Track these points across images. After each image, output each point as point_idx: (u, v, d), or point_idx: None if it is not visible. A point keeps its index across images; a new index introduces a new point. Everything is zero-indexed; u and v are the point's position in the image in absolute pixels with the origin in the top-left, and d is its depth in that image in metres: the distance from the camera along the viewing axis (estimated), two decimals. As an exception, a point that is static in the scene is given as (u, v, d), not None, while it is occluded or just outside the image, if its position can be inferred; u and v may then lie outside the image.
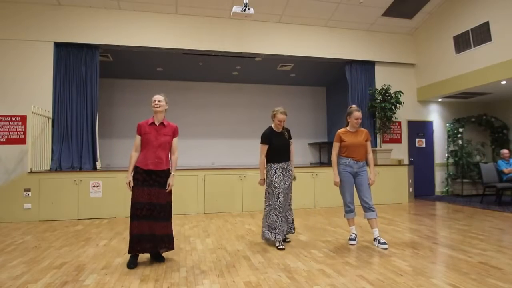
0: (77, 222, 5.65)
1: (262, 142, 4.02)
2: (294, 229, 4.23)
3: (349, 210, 4.11)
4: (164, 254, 3.61)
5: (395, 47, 8.49)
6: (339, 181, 4.05)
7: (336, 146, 4.12)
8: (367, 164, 4.15)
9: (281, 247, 3.86)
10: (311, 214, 6.26)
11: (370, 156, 4.13)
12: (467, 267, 3.17)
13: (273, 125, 4.07)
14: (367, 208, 3.96)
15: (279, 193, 3.92)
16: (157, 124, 3.44)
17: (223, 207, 6.55)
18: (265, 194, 4.07)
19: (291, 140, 4.13)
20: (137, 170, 3.36)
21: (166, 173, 3.44)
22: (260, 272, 3.08)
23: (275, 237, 3.91)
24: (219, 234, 4.67)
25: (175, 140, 3.53)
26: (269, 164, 4.02)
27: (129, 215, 3.31)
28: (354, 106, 4.13)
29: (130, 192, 3.35)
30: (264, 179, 4.09)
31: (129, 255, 3.33)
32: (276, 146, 3.99)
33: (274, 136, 4.02)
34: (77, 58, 6.73)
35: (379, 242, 3.89)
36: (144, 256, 3.53)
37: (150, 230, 3.28)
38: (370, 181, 4.03)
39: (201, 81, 10.09)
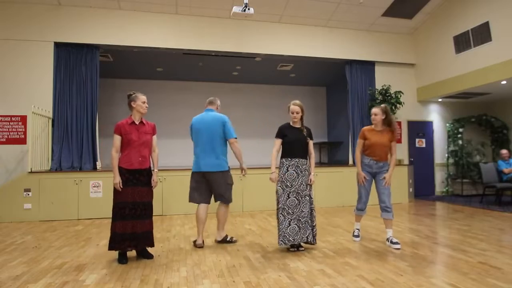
0: (77, 222, 5.65)
1: (276, 136, 3.85)
2: (315, 238, 3.76)
3: (360, 208, 4.15)
4: (164, 254, 3.62)
5: (395, 47, 8.49)
6: (362, 177, 4.04)
7: (360, 143, 4.11)
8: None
9: (292, 249, 3.73)
10: (311, 214, 6.25)
11: (393, 157, 4.08)
12: (467, 267, 3.17)
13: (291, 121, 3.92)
14: (383, 208, 3.98)
15: (290, 192, 3.66)
16: (137, 123, 3.51)
17: (223, 207, 6.53)
18: (276, 195, 3.75)
19: (311, 140, 3.86)
20: (119, 171, 3.38)
21: (148, 172, 3.52)
22: (260, 272, 3.08)
23: (278, 242, 3.63)
24: (219, 234, 4.66)
25: (154, 137, 3.64)
26: (281, 160, 3.78)
27: (112, 215, 3.36)
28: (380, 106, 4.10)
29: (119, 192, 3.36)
30: (275, 173, 3.75)
31: (118, 252, 3.42)
32: (290, 140, 3.75)
33: (289, 130, 3.82)
34: (77, 58, 6.73)
35: (391, 242, 3.90)
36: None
37: (132, 229, 3.35)
38: (385, 180, 3.97)
39: (201, 81, 10.09)
